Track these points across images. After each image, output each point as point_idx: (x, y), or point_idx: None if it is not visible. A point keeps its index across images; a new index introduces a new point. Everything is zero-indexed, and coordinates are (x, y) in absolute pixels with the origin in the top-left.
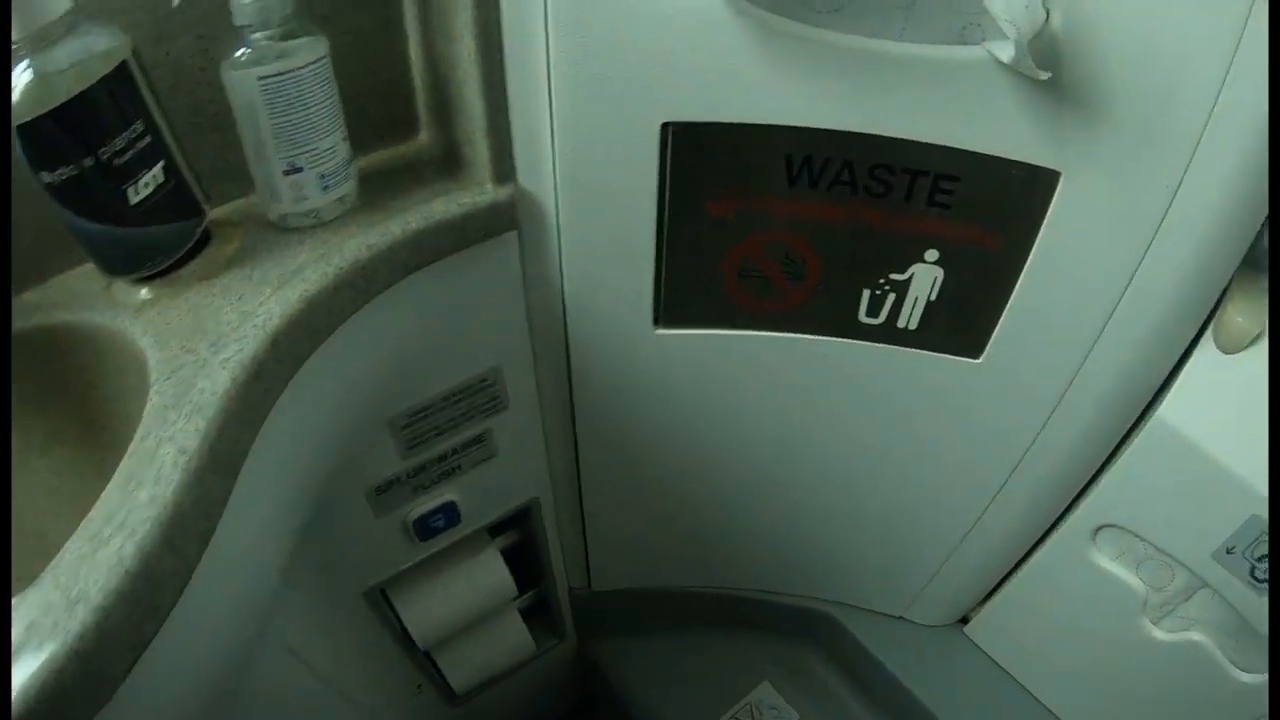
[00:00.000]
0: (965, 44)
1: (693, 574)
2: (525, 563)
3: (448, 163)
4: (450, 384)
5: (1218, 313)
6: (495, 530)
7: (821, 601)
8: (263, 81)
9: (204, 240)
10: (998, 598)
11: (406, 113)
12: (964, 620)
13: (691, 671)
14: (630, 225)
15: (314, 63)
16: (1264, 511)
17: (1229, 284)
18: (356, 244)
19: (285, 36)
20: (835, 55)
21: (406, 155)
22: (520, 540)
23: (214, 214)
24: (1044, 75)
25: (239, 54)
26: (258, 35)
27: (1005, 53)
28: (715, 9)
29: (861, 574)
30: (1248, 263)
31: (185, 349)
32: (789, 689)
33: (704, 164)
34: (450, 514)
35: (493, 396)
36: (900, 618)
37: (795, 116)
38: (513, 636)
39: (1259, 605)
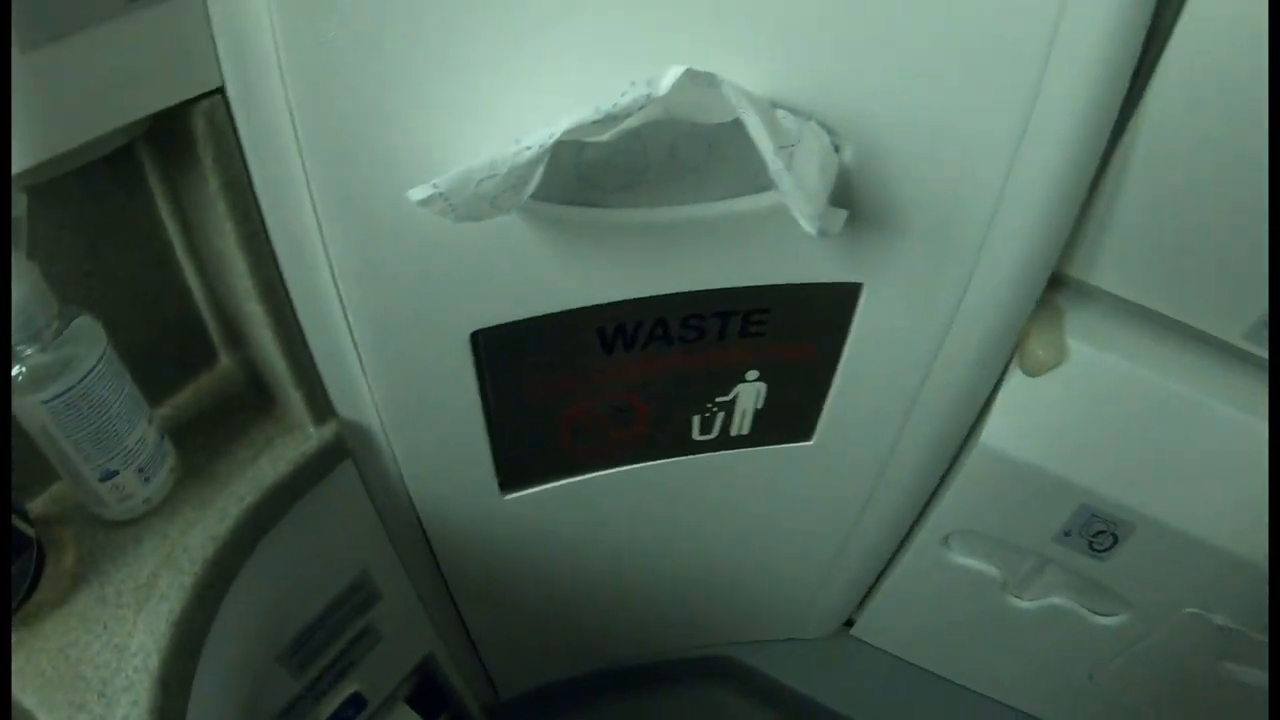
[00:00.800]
0: (761, 189)
1: (593, 659)
2: (432, 692)
3: (259, 391)
4: (324, 602)
5: (1020, 344)
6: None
7: (719, 646)
8: (49, 405)
9: (40, 559)
10: (874, 600)
11: (201, 342)
12: (849, 624)
13: None
14: (459, 424)
15: (98, 363)
16: (1088, 500)
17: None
18: (200, 537)
19: (56, 336)
20: (631, 231)
21: (213, 390)
22: (423, 680)
23: (34, 511)
24: (839, 228)
25: (15, 375)
26: (30, 351)
27: (811, 227)
28: (540, 211)
29: (746, 616)
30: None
31: (76, 705)
32: None
33: (520, 356)
34: (357, 702)
35: (367, 595)
36: (790, 639)
37: (601, 295)
38: None
39: (1102, 568)
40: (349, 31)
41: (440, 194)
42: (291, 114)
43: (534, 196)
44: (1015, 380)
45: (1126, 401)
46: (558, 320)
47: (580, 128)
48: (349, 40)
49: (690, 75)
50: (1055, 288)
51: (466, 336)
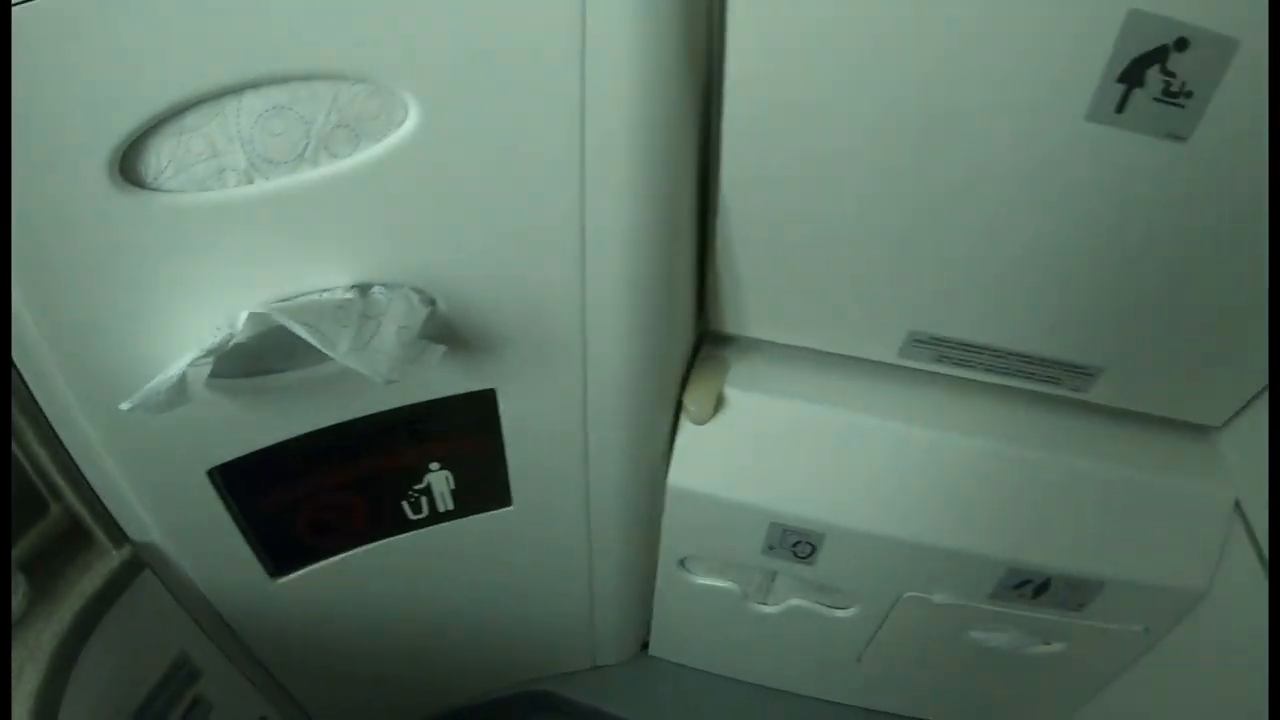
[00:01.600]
0: None
1: (420, 706)
2: None
3: (78, 527)
4: (155, 678)
5: (683, 402)
6: None
7: (536, 682)
8: None
9: None
10: (655, 623)
11: (35, 496)
12: (645, 646)
13: None
14: (219, 533)
15: None
16: (775, 519)
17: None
18: (47, 639)
19: None
20: (304, 383)
21: (49, 530)
22: None
23: None
24: (435, 363)
25: None
26: None
27: (380, 380)
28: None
29: (541, 654)
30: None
31: None
32: None
33: (250, 480)
34: None
35: (189, 671)
36: (595, 667)
37: (296, 429)
38: None
39: (814, 571)
40: None
41: (136, 405)
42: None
43: (229, 374)
44: (691, 427)
45: (795, 430)
46: (269, 452)
47: (197, 359)
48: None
49: (251, 316)
50: (719, 344)
51: (204, 473)
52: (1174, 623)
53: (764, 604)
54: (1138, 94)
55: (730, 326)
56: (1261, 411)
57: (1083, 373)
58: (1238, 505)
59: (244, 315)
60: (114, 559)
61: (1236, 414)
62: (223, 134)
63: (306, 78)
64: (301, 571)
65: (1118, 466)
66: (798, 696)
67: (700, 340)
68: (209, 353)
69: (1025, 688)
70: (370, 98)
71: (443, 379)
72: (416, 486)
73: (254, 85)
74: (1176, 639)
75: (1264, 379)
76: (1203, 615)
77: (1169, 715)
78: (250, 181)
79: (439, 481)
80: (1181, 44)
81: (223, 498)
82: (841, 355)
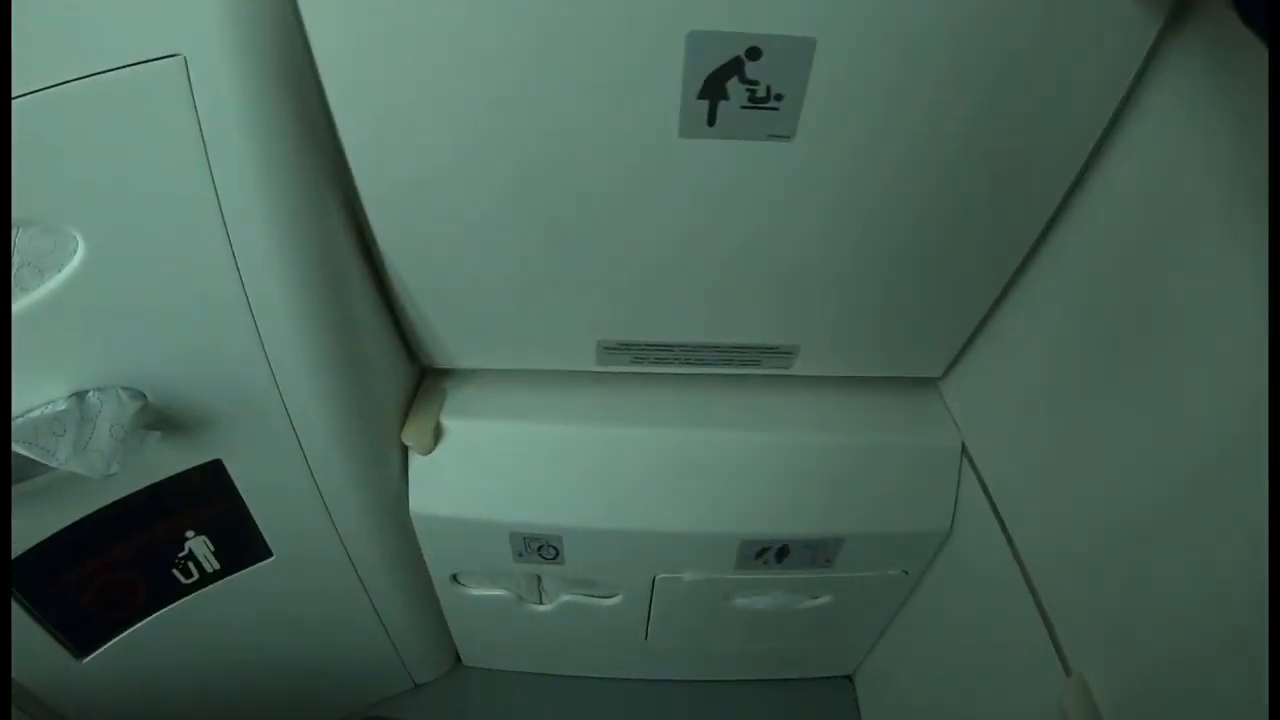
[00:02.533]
0: None
1: None
2: None
3: None
4: None
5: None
6: None
7: (366, 709)
8: None
9: None
10: (456, 636)
11: None
12: (459, 659)
13: None
14: (25, 627)
15: None
16: (514, 529)
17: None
18: None
19: None
20: (51, 486)
21: None
22: None
23: None
24: (144, 453)
25: None
26: None
27: (98, 476)
28: None
29: (358, 683)
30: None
31: None
32: None
33: (32, 576)
34: None
35: None
36: (416, 686)
37: (54, 525)
38: None
39: (568, 570)
40: None
41: None
42: None
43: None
44: (420, 458)
45: (516, 446)
46: (40, 548)
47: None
48: None
49: None
50: (439, 376)
51: None
52: (929, 562)
53: (539, 604)
54: (724, 106)
55: (440, 361)
56: (976, 358)
57: (779, 352)
58: (964, 448)
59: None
60: (9, 697)
61: (953, 364)
62: None
63: None
64: (102, 649)
65: (844, 432)
66: (603, 679)
67: (422, 376)
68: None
69: (812, 637)
70: (42, 236)
71: (170, 458)
72: (180, 554)
73: None
74: (936, 574)
75: (970, 328)
76: (951, 552)
77: (945, 640)
78: None
79: (199, 546)
80: (754, 53)
81: (13, 596)
82: (549, 370)
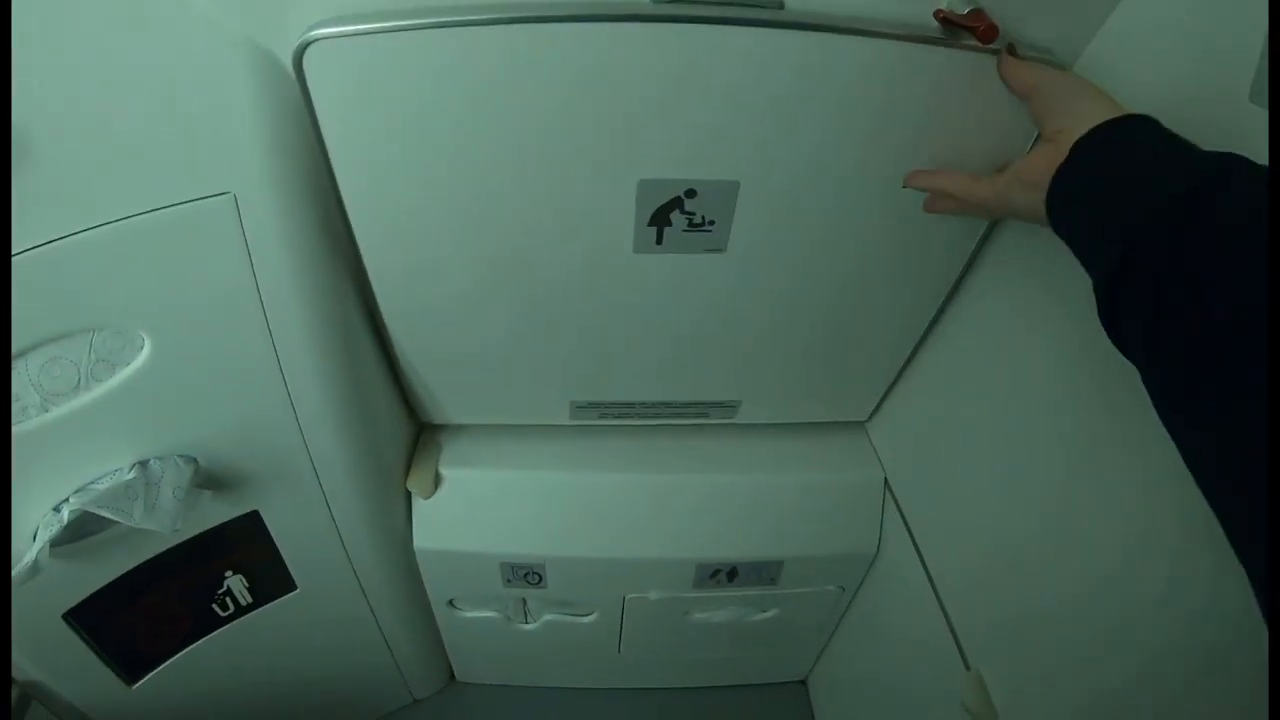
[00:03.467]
0: None
1: None
2: None
3: None
4: None
5: (409, 485)
6: None
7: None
8: None
9: None
10: (451, 654)
11: None
12: (453, 675)
13: None
14: (77, 659)
15: None
16: (503, 559)
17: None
18: None
19: None
20: (113, 539)
21: None
22: None
23: None
24: (204, 502)
25: None
26: None
27: (166, 531)
28: (64, 551)
29: (364, 700)
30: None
31: None
32: None
33: (94, 615)
34: None
35: None
36: (415, 701)
37: (109, 576)
38: None
39: (549, 593)
40: None
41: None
42: None
43: (61, 543)
44: (422, 501)
45: (504, 490)
46: (103, 591)
47: (42, 548)
48: None
49: (71, 511)
50: (435, 430)
51: (60, 618)
52: (860, 580)
53: (525, 623)
54: (669, 230)
55: (436, 418)
56: (893, 404)
57: (724, 406)
58: (886, 482)
59: (67, 511)
60: (10, 699)
61: (876, 409)
62: (19, 384)
63: (68, 334)
64: (149, 676)
65: (783, 470)
66: (581, 689)
67: (420, 430)
68: (50, 542)
69: (765, 646)
70: (114, 338)
71: (216, 511)
72: (220, 590)
73: (34, 348)
74: (869, 589)
75: (888, 380)
76: (879, 570)
77: (878, 645)
78: (45, 410)
79: (236, 584)
80: (690, 193)
81: (76, 632)
82: (530, 425)
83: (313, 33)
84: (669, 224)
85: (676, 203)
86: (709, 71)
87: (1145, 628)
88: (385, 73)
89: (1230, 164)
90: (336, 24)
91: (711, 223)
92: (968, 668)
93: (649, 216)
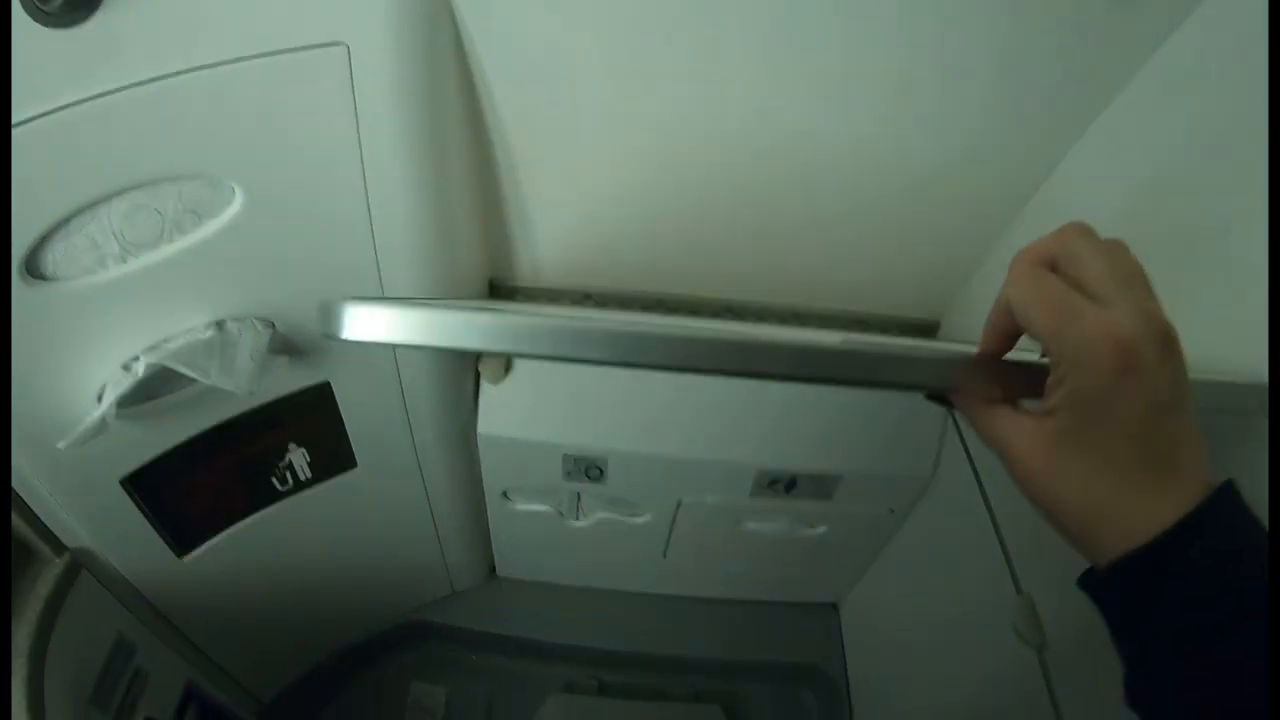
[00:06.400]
0: None
1: (322, 646)
2: (211, 712)
3: (29, 550)
4: (102, 658)
5: (478, 369)
6: None
7: (411, 613)
8: None
9: None
10: (496, 548)
11: None
12: (493, 569)
13: None
14: (133, 527)
15: None
16: (566, 450)
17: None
18: (22, 635)
19: None
20: (181, 403)
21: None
22: (199, 703)
23: None
24: (273, 372)
25: None
26: None
27: (241, 393)
28: (131, 412)
29: (408, 587)
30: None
31: None
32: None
33: (153, 482)
34: None
35: (127, 649)
36: (455, 593)
37: (172, 441)
38: None
39: (607, 489)
40: None
41: (71, 443)
42: None
43: (130, 403)
44: (490, 387)
45: (573, 381)
46: (164, 458)
47: (113, 403)
48: None
49: (147, 364)
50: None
51: (118, 482)
52: (911, 505)
53: (577, 520)
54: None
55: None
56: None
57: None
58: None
59: (141, 364)
60: (57, 566)
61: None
62: (100, 231)
63: (157, 181)
64: (201, 548)
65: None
66: (622, 592)
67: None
68: (121, 398)
69: (806, 564)
70: (205, 188)
71: (288, 379)
72: (280, 463)
73: (119, 194)
74: (918, 516)
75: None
76: (932, 495)
77: (918, 574)
78: (124, 261)
79: (298, 457)
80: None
81: (133, 499)
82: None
83: None
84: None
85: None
86: None
87: None
88: None
89: None
90: None
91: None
92: (1019, 592)
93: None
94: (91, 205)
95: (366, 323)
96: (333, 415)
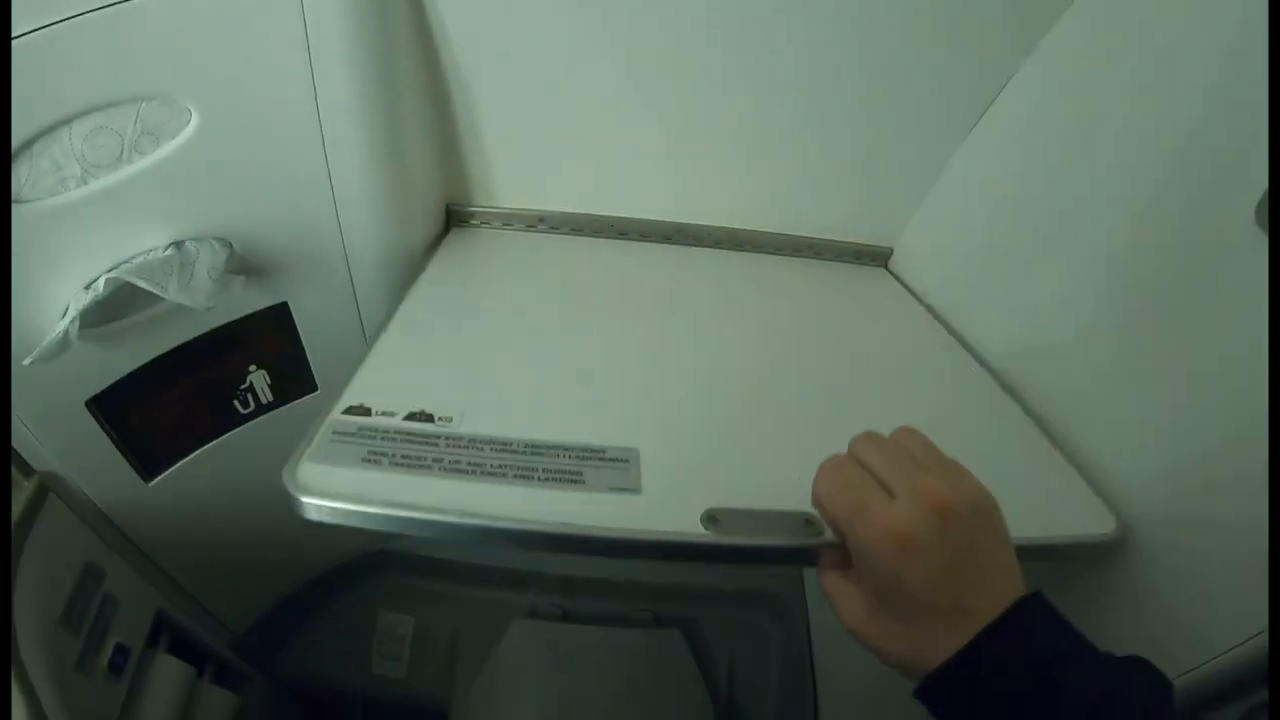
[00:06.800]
0: None
1: (278, 577)
2: (184, 642)
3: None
4: (71, 582)
5: None
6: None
7: (367, 542)
8: None
9: None
10: None
11: None
12: None
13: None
14: (99, 451)
15: None
16: None
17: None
18: None
19: None
20: (144, 323)
21: None
22: (170, 631)
23: None
24: (240, 289)
25: None
26: None
27: (200, 307)
28: (94, 333)
29: None
30: None
31: None
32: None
33: (118, 404)
34: (121, 650)
35: (96, 574)
36: None
37: (134, 363)
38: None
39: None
40: None
41: (35, 359)
42: None
43: (92, 324)
44: None
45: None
46: (128, 379)
47: (74, 319)
48: None
49: (108, 280)
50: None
51: (83, 404)
52: None
53: None
54: None
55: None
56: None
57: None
58: None
59: (102, 280)
60: (26, 488)
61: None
62: (62, 153)
63: (116, 102)
64: (167, 472)
65: None
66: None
67: (447, 233)
68: (81, 314)
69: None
70: (162, 109)
71: (247, 300)
72: (242, 386)
73: (79, 116)
74: None
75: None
76: None
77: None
78: (85, 183)
79: (259, 379)
80: None
81: (99, 421)
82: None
83: None
84: None
85: None
86: None
87: None
88: None
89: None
90: None
91: None
92: None
93: None
94: (53, 128)
95: None
96: (292, 336)
